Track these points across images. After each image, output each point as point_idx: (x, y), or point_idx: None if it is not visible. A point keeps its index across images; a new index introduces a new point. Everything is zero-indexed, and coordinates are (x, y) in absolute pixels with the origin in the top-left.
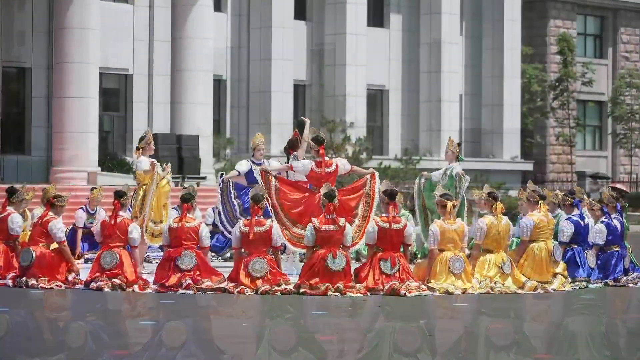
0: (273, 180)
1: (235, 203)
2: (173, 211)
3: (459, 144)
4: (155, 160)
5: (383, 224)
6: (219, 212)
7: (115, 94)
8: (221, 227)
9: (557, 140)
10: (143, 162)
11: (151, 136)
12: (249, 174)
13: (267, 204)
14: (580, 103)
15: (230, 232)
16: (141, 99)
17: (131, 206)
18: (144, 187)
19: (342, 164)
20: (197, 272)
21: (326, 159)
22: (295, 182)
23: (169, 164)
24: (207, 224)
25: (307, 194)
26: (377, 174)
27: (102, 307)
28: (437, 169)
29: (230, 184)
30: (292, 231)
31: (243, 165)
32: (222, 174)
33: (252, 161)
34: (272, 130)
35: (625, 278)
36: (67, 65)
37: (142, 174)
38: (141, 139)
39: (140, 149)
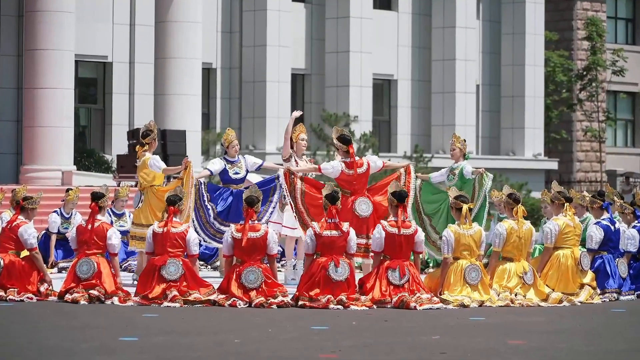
0: (298, 182)
1: (209, 207)
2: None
3: (464, 140)
4: (188, 157)
5: (391, 229)
6: (193, 218)
7: (92, 84)
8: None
9: (585, 136)
10: (158, 160)
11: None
12: (224, 173)
13: (291, 208)
14: (610, 94)
15: (204, 240)
16: (121, 89)
17: (109, 211)
18: (156, 188)
19: (373, 162)
20: (184, 283)
21: (356, 158)
22: (323, 184)
23: (189, 159)
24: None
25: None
26: (412, 167)
27: (78, 321)
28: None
29: (202, 186)
30: None
31: (216, 164)
32: None
33: (225, 159)
34: (268, 124)
35: None
36: (39, 52)
37: (149, 173)
38: (145, 133)
39: (146, 145)
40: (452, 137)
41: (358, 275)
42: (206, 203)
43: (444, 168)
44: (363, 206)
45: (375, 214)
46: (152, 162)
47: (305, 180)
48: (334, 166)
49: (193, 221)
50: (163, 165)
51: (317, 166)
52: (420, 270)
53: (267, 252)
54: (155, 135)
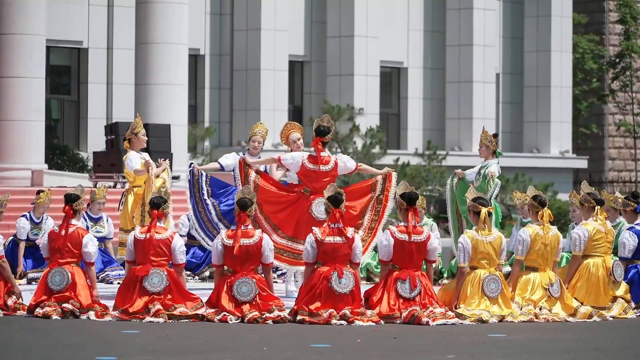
0: (252, 174)
1: (208, 203)
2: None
3: (495, 136)
4: (149, 159)
5: (400, 236)
6: (192, 215)
7: (65, 73)
8: (197, 236)
9: (618, 131)
10: (132, 159)
11: (140, 123)
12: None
13: None
14: None
15: (208, 244)
16: (98, 78)
17: (85, 216)
18: (136, 189)
19: (342, 162)
20: (169, 296)
21: (324, 154)
22: (280, 182)
23: (166, 160)
24: (181, 235)
25: (293, 194)
26: (394, 174)
27: (50, 338)
28: (471, 167)
29: (203, 178)
30: (272, 238)
31: (229, 159)
32: (191, 163)
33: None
34: (262, 117)
35: None
36: (6, 37)
37: (129, 172)
38: (129, 128)
39: (127, 141)
40: (481, 132)
41: (364, 287)
42: (205, 198)
43: (476, 166)
44: (321, 207)
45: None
46: (127, 161)
47: (261, 174)
48: (295, 157)
49: (190, 219)
50: (136, 165)
51: (276, 157)
52: (434, 282)
53: (262, 260)
54: (136, 129)
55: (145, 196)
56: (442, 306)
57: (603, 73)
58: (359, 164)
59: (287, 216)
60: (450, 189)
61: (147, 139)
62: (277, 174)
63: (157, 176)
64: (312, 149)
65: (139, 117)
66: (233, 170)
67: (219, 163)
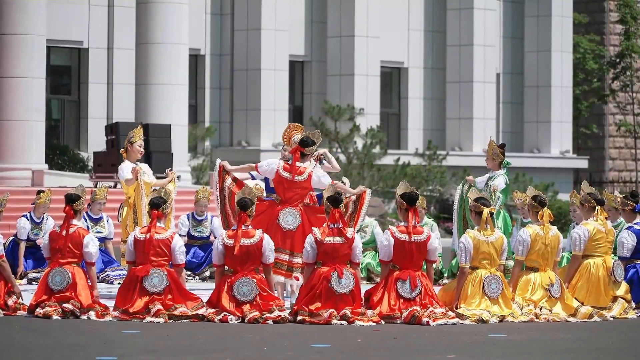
0: (229, 180)
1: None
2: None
3: (502, 146)
4: (138, 166)
5: (401, 236)
6: (219, 217)
7: (66, 73)
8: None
9: (618, 131)
10: (124, 169)
11: (139, 133)
12: (268, 180)
13: (216, 205)
14: None
15: None
16: (99, 79)
17: (85, 216)
18: (130, 200)
19: (317, 176)
20: (169, 296)
21: (300, 164)
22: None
23: (173, 171)
24: (180, 235)
25: (265, 202)
26: (369, 192)
27: (50, 338)
28: (470, 167)
29: (228, 182)
30: None
31: (264, 167)
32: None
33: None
34: (263, 117)
35: None
36: (6, 37)
37: (125, 184)
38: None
39: (124, 150)
40: (488, 142)
41: (364, 287)
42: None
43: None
44: (289, 218)
45: (304, 228)
46: (119, 171)
47: (236, 181)
48: (270, 164)
49: (189, 219)
50: (127, 175)
51: (254, 165)
52: (434, 282)
53: (262, 260)
54: (132, 138)
55: (136, 203)
56: (443, 306)
57: (603, 73)
58: (335, 181)
59: (256, 224)
60: (459, 195)
61: (143, 150)
62: None
63: (163, 187)
64: (290, 156)
65: (139, 128)
66: (266, 179)
67: (250, 174)
